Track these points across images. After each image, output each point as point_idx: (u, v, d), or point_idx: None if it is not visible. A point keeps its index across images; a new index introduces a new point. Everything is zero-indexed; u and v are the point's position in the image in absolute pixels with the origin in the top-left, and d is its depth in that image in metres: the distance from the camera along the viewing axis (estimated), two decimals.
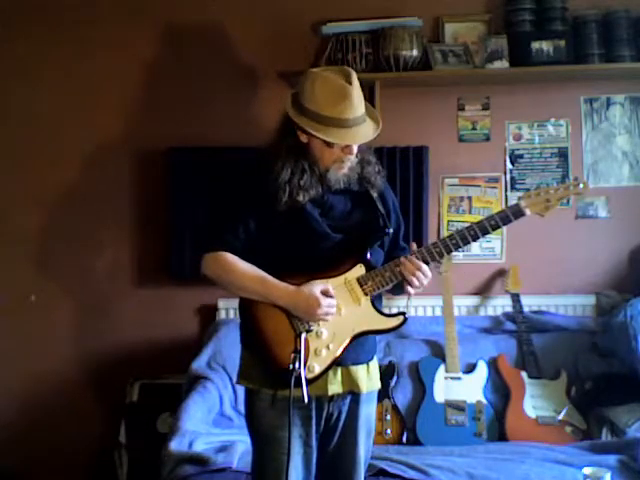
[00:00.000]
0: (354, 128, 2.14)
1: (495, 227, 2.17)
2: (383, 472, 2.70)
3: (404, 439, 3.19)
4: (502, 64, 3.46)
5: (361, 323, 2.17)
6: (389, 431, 3.19)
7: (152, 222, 3.66)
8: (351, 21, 3.51)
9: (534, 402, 3.23)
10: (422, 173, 3.57)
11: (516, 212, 2.18)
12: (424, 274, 2.16)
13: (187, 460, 2.70)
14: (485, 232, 2.17)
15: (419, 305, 3.61)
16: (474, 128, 3.66)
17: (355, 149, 2.18)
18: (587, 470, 2.32)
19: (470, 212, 3.65)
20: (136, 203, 3.68)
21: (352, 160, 2.20)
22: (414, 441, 3.18)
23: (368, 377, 2.26)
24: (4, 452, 3.63)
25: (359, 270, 2.17)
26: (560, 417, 3.18)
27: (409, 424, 3.22)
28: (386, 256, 2.28)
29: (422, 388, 3.29)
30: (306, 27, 3.59)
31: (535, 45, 3.44)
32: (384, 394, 3.22)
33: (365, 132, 2.17)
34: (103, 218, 3.67)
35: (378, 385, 2.32)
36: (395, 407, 3.24)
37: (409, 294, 2.19)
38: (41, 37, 3.62)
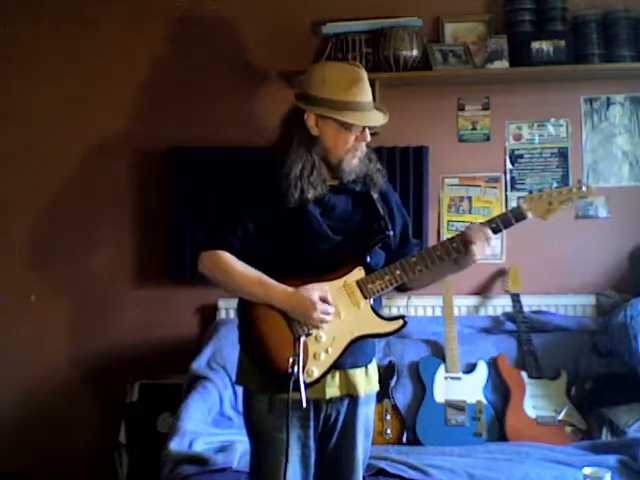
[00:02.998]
0: (367, 112, 2.15)
1: (497, 230, 2.15)
2: (383, 472, 2.70)
3: (404, 439, 3.19)
4: (502, 64, 3.46)
5: (360, 327, 2.15)
6: (389, 431, 3.19)
7: (152, 222, 3.66)
8: (351, 21, 3.51)
9: (534, 402, 3.23)
10: (422, 173, 3.57)
11: (517, 215, 2.16)
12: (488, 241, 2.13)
13: (187, 460, 2.70)
14: None
15: (419, 305, 3.61)
16: (474, 128, 3.66)
17: (369, 136, 2.17)
18: (587, 470, 2.31)
19: (470, 212, 3.65)
20: (136, 203, 3.68)
21: (363, 150, 2.19)
22: (414, 441, 3.18)
23: (367, 380, 2.24)
24: (4, 452, 3.63)
25: (359, 273, 2.15)
26: (560, 417, 3.18)
27: (409, 424, 3.22)
28: (396, 253, 2.26)
29: (422, 388, 3.29)
30: (306, 27, 3.60)
31: (535, 45, 3.44)
32: (384, 394, 3.22)
33: (378, 116, 2.18)
34: (103, 218, 3.67)
35: (377, 388, 2.31)
36: (395, 407, 3.24)
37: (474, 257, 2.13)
38: (41, 36, 3.62)
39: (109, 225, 3.67)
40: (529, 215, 2.16)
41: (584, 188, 2.17)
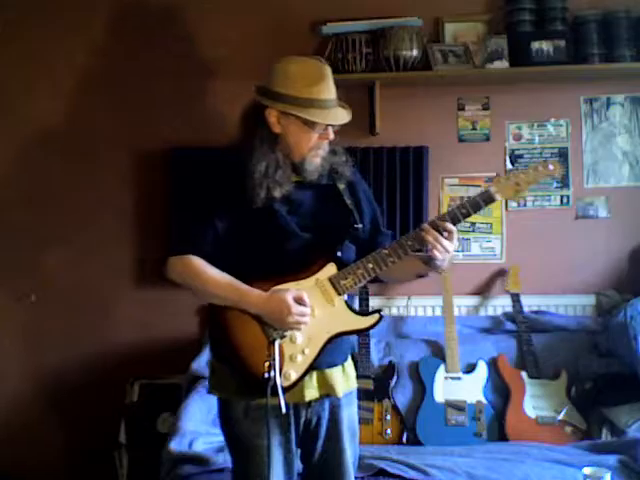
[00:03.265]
0: (333, 109, 2.10)
1: (466, 215, 2.11)
2: (383, 472, 2.70)
3: (404, 439, 3.19)
4: (502, 64, 3.46)
5: (336, 325, 2.11)
6: (389, 431, 3.19)
7: (152, 222, 3.66)
8: (351, 21, 3.51)
9: (534, 402, 3.23)
10: (422, 173, 3.57)
11: (486, 198, 2.11)
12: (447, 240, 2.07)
13: (187, 460, 2.70)
14: (457, 220, 2.11)
15: (419, 305, 3.62)
16: (474, 128, 3.66)
17: (332, 134, 2.13)
18: (587, 470, 2.32)
19: None
20: (137, 203, 3.68)
21: (325, 149, 2.14)
22: (414, 441, 3.18)
23: (344, 379, 2.21)
24: (4, 452, 3.63)
25: (330, 269, 2.11)
26: (560, 417, 3.18)
27: (409, 424, 3.22)
28: (368, 244, 2.21)
29: (422, 388, 3.29)
30: (306, 27, 3.59)
31: (535, 45, 3.44)
32: (384, 394, 3.23)
33: (343, 114, 2.13)
34: (104, 218, 3.67)
35: (355, 385, 2.27)
36: (395, 407, 3.24)
37: (435, 259, 2.08)
38: (40, 36, 3.62)
39: (109, 225, 3.67)
40: (498, 197, 2.12)
41: (550, 167, 2.14)
